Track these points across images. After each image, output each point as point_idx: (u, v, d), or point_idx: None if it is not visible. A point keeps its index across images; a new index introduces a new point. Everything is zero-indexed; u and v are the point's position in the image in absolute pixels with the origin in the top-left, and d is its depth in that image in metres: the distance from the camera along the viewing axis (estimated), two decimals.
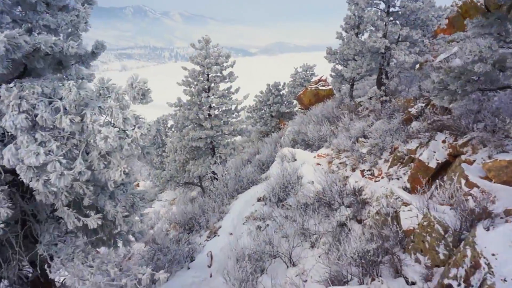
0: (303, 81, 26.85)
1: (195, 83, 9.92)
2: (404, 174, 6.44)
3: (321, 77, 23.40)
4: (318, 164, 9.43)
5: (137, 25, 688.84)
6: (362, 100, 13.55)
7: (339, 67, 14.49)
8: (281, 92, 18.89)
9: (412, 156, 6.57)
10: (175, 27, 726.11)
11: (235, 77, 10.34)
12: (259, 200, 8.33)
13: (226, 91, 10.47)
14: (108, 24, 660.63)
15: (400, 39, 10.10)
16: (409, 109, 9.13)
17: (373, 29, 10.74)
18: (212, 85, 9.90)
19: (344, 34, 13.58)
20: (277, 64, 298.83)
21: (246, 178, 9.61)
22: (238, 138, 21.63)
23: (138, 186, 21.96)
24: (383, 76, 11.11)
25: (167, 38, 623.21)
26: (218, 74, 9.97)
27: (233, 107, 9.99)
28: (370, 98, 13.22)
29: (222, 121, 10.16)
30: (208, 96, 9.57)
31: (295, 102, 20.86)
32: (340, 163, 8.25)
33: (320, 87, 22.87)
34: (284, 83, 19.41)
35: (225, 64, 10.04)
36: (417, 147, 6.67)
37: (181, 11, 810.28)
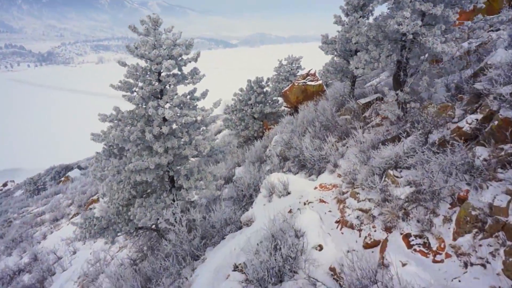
0: (288, 75, 23.90)
1: (140, 85, 6.81)
2: (493, 255, 3.60)
3: (310, 71, 20.48)
4: (322, 201, 6.51)
5: (114, 16, 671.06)
6: (368, 102, 10.71)
7: (337, 59, 11.60)
8: (264, 90, 15.87)
9: (502, 219, 3.75)
10: None
11: (200, 76, 6.80)
12: (236, 268, 5.39)
13: (188, 97, 7.20)
14: (83, 15, 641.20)
15: (433, 21, 7.24)
16: (457, 123, 6.30)
17: (388, 9, 7.83)
18: (167, 87, 6.76)
19: (344, 18, 10.66)
20: (258, 56, 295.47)
21: (219, 222, 6.61)
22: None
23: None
24: (401, 73, 8.26)
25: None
26: (176, 71, 6.83)
27: (198, 119, 6.76)
28: (379, 100, 10.40)
29: (182, 141, 6.82)
30: (159, 106, 6.63)
31: (280, 100, 17.87)
32: (361, 210, 5.37)
33: (309, 83, 19.96)
34: (268, 79, 16.37)
35: (184, 58, 6.88)
36: (509, 202, 3.85)
37: (159, 1, 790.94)
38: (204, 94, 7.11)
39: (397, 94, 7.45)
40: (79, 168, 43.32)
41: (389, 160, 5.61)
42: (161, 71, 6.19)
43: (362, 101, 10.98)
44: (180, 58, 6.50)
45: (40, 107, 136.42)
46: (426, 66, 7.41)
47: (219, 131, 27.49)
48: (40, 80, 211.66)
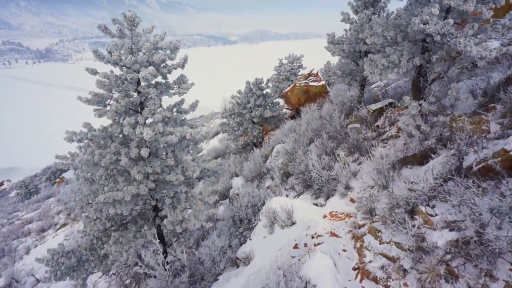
0: (289, 75, 22.80)
1: (115, 97, 6.03)
2: None
3: (312, 70, 19.40)
4: (334, 234, 5.45)
5: (112, 13, 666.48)
6: (380, 108, 9.64)
7: (345, 60, 10.49)
8: (264, 92, 14.77)
9: None
10: (153, 15, 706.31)
11: (188, 86, 5.36)
12: None
13: (174, 110, 6.00)
14: (82, 12, 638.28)
15: (458, 19, 6.16)
16: (493, 140, 5.23)
17: (408, 6, 6.74)
18: (148, 99, 5.71)
19: (353, 15, 9.58)
20: (258, 52, 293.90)
21: (210, 258, 5.53)
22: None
23: None
24: (422, 79, 7.17)
25: (145, 27, 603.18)
26: (160, 80, 5.70)
27: (188, 135, 5.57)
28: (392, 106, 9.33)
29: (165, 164, 5.50)
30: (138, 123, 5.20)
31: (281, 102, 16.77)
32: (386, 257, 4.30)
33: (311, 83, 18.89)
34: (268, 80, 15.27)
35: (169, 64, 5.82)
36: None
37: None
38: (193, 106, 6.01)
39: (420, 105, 6.36)
40: (75, 168, 42.22)
41: (420, 194, 4.51)
42: (140, 80, 5.09)
43: (373, 107, 9.90)
44: (163, 64, 5.41)
45: (38, 105, 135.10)
46: (455, 72, 6.32)
47: (217, 133, 26.42)
48: (38, 77, 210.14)
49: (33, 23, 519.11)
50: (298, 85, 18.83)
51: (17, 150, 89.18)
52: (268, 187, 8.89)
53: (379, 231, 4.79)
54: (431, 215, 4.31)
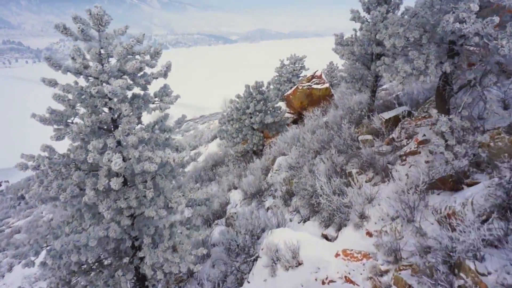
0: (291, 77, 21.78)
1: (80, 114, 4.45)
2: None
3: (315, 72, 18.36)
4: (349, 281, 4.45)
5: (113, 12, 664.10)
6: (394, 116, 8.62)
7: (357, 64, 9.46)
8: (264, 96, 13.75)
9: None
10: (153, 13, 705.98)
11: (171, 99, 4.54)
12: None
13: (157, 127, 4.83)
14: (82, 10, 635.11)
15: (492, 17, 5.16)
16: None
17: (433, 2, 5.70)
18: (124, 113, 4.41)
19: (364, 13, 8.56)
20: (259, 51, 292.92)
21: None
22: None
23: None
24: (447, 87, 6.15)
25: (145, 26, 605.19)
26: (137, 92, 4.64)
27: (171, 161, 4.42)
28: (407, 114, 8.32)
29: (143, 195, 4.36)
30: (106, 146, 4.08)
31: (283, 107, 15.76)
32: None
33: (315, 86, 17.86)
34: (268, 83, 14.28)
35: (148, 73, 4.84)
36: None
37: None
38: (179, 122, 5.02)
39: (450, 120, 5.33)
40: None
41: (467, 248, 3.49)
42: (108, 94, 4.04)
43: (386, 116, 8.88)
44: (141, 73, 4.39)
45: (38, 104, 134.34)
46: (493, 80, 5.29)
47: (216, 136, 25.38)
48: (38, 76, 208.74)
49: (34, 22, 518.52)
50: (300, 88, 17.81)
51: (16, 150, 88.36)
52: (269, 208, 7.88)
53: (409, 286, 3.79)
54: (483, 274, 3.30)
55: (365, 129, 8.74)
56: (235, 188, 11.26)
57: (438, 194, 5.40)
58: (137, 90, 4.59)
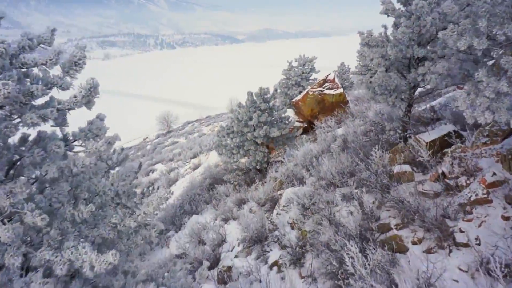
0: (299, 80, 19.72)
1: None
2: None
3: (327, 76, 16.33)
4: None
5: (120, 12, 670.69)
6: (439, 138, 6.57)
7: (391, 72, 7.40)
8: (270, 104, 11.76)
9: None
10: (160, 13, 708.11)
11: (104, 144, 2.95)
12: None
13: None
14: (90, 11, 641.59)
15: None
16: None
17: None
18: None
19: (399, 5, 6.52)
20: (266, 51, 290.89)
21: None
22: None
23: None
24: None
25: (153, 25, 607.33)
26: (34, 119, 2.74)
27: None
28: (455, 136, 6.27)
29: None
30: None
31: (291, 116, 13.75)
32: None
33: (327, 91, 15.84)
34: (275, 90, 12.27)
35: (54, 99, 2.79)
36: None
37: None
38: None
39: None
40: None
41: None
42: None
43: (425, 137, 6.84)
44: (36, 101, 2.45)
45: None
46: None
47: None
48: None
49: (43, 23, 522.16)
50: (311, 93, 15.81)
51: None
52: (273, 265, 5.87)
53: None
54: None
55: (403, 158, 6.70)
56: (234, 218, 9.30)
57: None
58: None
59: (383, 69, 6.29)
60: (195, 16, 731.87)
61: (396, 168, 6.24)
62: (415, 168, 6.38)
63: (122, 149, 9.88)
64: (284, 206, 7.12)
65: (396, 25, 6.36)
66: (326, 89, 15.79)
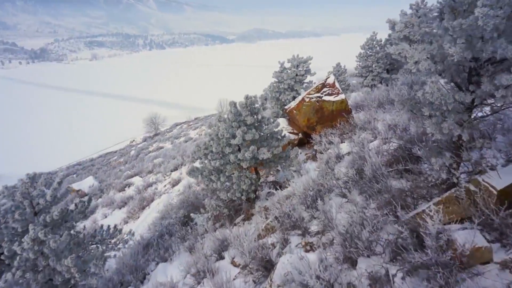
0: (293, 83, 17.21)
1: None
2: None
3: (327, 79, 13.92)
4: None
5: (109, 12, 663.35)
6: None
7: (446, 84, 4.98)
8: (259, 117, 9.31)
9: None
10: (150, 13, 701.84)
11: None
12: None
13: None
14: (78, 11, 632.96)
15: None
16: None
17: None
18: None
19: None
20: (256, 51, 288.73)
21: None
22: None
23: None
24: None
25: (142, 26, 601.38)
26: None
27: None
28: None
29: None
30: None
31: (283, 127, 11.31)
32: None
33: (326, 97, 13.41)
34: (265, 99, 9.81)
35: None
36: None
37: None
38: None
39: None
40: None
41: None
42: None
43: (495, 182, 4.44)
44: None
45: (29, 107, 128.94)
46: None
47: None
48: (31, 78, 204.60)
49: (30, 23, 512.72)
50: (307, 100, 13.36)
51: (4, 155, 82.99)
52: None
53: None
54: None
55: (458, 209, 4.29)
56: (212, 273, 6.83)
57: None
58: None
59: (437, 79, 3.86)
60: (185, 16, 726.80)
61: (460, 238, 3.82)
62: (486, 235, 3.99)
63: (60, 183, 7.38)
64: (279, 287, 4.65)
65: (453, 11, 3.94)
66: (325, 95, 13.38)
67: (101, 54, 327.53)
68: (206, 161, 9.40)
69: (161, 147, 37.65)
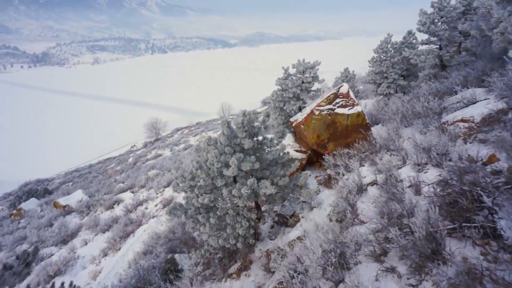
0: (298, 92, 15.16)
1: None
2: None
3: (340, 88, 11.90)
4: None
5: (112, 16, 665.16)
6: None
7: None
8: (259, 138, 7.28)
9: None
10: (152, 18, 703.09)
11: None
12: None
13: None
14: (81, 16, 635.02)
15: None
16: None
17: None
18: None
19: None
20: (258, 55, 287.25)
21: None
22: None
23: None
24: None
25: (144, 30, 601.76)
26: None
27: None
28: None
29: None
30: None
31: (290, 149, 9.30)
32: None
33: (339, 110, 11.35)
34: (268, 115, 7.74)
35: None
36: None
37: (157, 1, 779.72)
38: None
39: None
40: (43, 193, 34.60)
41: None
42: None
43: None
44: None
45: (31, 111, 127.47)
46: None
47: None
48: (32, 81, 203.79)
49: (32, 27, 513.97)
50: (317, 112, 11.34)
51: (4, 160, 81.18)
52: None
53: None
54: None
55: None
56: None
57: None
58: None
59: None
60: (187, 20, 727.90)
61: None
62: None
63: None
64: None
65: None
66: (338, 107, 11.35)
67: (103, 58, 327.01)
68: (192, 195, 7.36)
69: (160, 155, 35.97)
